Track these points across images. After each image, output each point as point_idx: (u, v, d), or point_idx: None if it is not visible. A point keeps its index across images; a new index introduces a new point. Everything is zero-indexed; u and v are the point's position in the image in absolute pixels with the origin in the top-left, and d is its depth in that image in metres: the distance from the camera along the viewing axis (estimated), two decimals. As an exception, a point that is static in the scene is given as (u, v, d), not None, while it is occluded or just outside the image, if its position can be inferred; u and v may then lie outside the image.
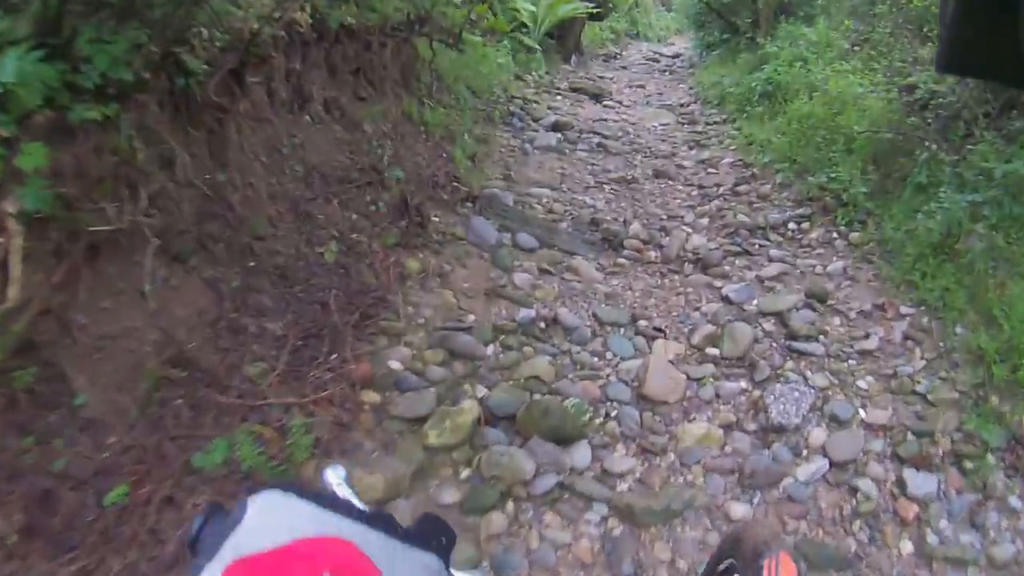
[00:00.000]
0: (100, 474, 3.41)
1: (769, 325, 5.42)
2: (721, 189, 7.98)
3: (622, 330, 5.31)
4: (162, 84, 4.42)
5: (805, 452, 4.31)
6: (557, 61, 14.94)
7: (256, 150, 5.36)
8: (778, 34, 12.05)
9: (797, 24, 11.94)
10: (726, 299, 5.76)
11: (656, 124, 11.02)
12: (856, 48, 10.53)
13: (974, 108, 6.79)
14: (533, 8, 13.90)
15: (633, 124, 10.85)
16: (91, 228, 3.73)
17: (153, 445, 3.63)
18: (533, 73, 12.96)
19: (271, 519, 0.99)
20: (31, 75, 3.33)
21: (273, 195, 5.27)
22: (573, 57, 15.83)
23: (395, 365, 4.54)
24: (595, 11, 15.61)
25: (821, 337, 5.30)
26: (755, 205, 7.51)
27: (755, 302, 5.69)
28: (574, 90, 12.82)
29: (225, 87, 4.94)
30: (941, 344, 5.23)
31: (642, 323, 5.37)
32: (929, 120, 7.28)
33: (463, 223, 6.34)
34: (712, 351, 5.11)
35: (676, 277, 6.12)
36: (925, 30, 9.59)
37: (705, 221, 7.14)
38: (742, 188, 7.95)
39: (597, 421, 4.42)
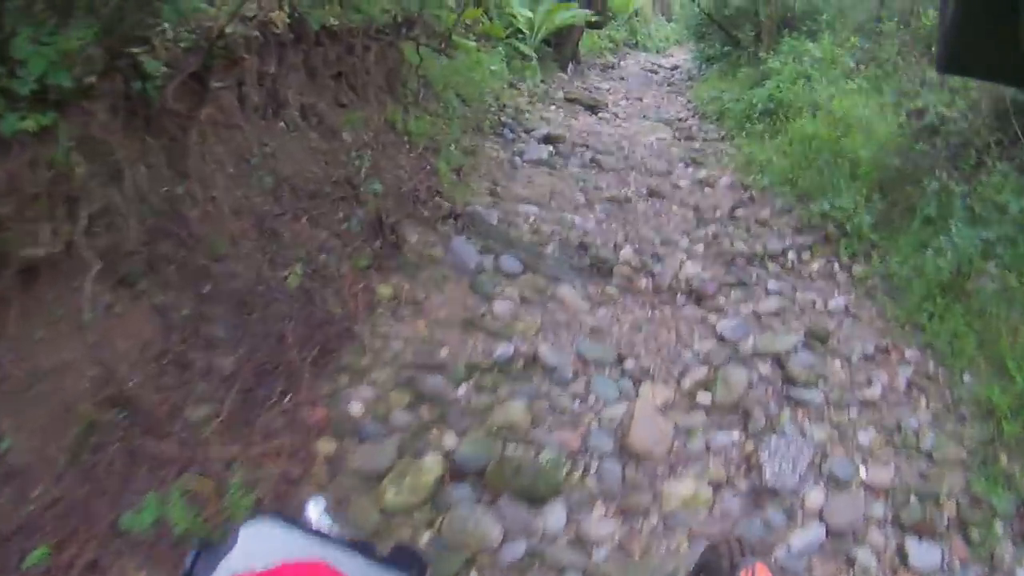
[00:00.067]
0: (22, 531, 3.03)
1: (765, 368, 5.03)
2: (718, 212, 7.59)
3: (607, 370, 4.90)
4: (117, 88, 4.05)
5: (801, 517, 3.91)
6: (553, 69, 14.57)
7: (222, 160, 4.97)
8: (781, 49, 11.67)
9: (801, 39, 11.57)
10: (720, 337, 5.36)
11: (652, 139, 10.62)
12: (862, 66, 10.21)
13: (986, 135, 6.46)
14: (530, 14, 13.54)
15: (628, 138, 10.45)
16: (23, 251, 3.40)
17: (82, 499, 3.25)
18: (528, 81, 12.59)
19: (261, 544, 1.11)
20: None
21: (237, 210, 4.87)
22: (570, 66, 15.47)
23: (356, 408, 4.15)
24: (594, 19, 15.25)
25: (821, 383, 4.92)
26: (753, 231, 7.11)
27: (751, 341, 5.30)
28: (569, 100, 12.44)
29: (187, 91, 4.56)
30: (948, 394, 4.89)
31: (629, 363, 4.96)
32: (938, 147, 6.92)
33: (443, 243, 5.94)
34: (703, 397, 4.71)
35: (668, 309, 5.72)
36: (934, 50, 9.29)
37: (700, 247, 6.74)
38: (740, 212, 7.56)
39: (575, 476, 4.01)
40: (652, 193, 8.02)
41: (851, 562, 3.69)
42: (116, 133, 4.08)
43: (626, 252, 6.41)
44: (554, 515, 3.73)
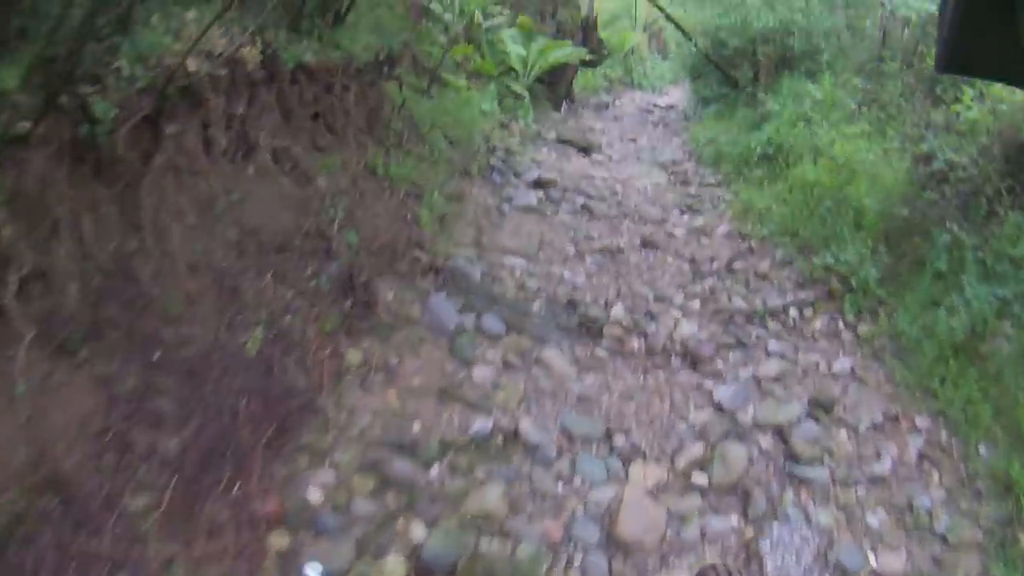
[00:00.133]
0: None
1: (767, 442, 4.65)
2: (715, 264, 7.19)
3: (594, 447, 4.49)
4: (62, 132, 3.70)
5: (807, 620, 3.52)
6: (547, 108, 14.26)
7: (183, 209, 4.57)
8: (780, 90, 11.33)
9: (801, 80, 11.25)
10: (718, 406, 4.97)
11: (647, 183, 10.24)
12: (864, 108, 9.90)
13: (997, 182, 6.13)
14: (523, 52, 13.23)
15: (622, 183, 10.07)
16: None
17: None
18: (520, 121, 12.25)
19: None
20: None
21: (195, 266, 4.47)
22: (564, 105, 15.17)
23: (314, 496, 3.75)
24: (588, 58, 14.96)
25: (826, 457, 4.56)
26: (752, 285, 6.73)
27: (751, 411, 4.92)
28: (562, 142, 12.09)
29: (141, 136, 4.20)
30: (962, 467, 4.55)
31: (619, 439, 4.55)
32: (947, 195, 6.57)
33: (421, 301, 5.54)
34: (699, 478, 4.31)
35: (661, 375, 5.32)
36: (938, 91, 9.03)
37: (696, 304, 6.34)
38: (738, 264, 7.17)
39: (556, 572, 3.61)
40: (646, 243, 7.63)
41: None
42: (59, 183, 3.73)
43: (617, 310, 6.01)
44: (532, 622, 3.32)
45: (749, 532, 3.99)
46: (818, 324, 6.11)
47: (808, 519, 4.09)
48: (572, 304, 6.03)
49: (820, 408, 5.00)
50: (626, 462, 4.39)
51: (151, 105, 4.15)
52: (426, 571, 3.45)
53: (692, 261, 7.30)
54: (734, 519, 4.08)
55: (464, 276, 6.09)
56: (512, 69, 13.06)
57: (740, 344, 5.75)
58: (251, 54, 5.22)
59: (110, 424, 3.61)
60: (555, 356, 5.31)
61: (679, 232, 8.16)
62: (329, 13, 6.46)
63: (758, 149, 9.97)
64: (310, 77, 6.13)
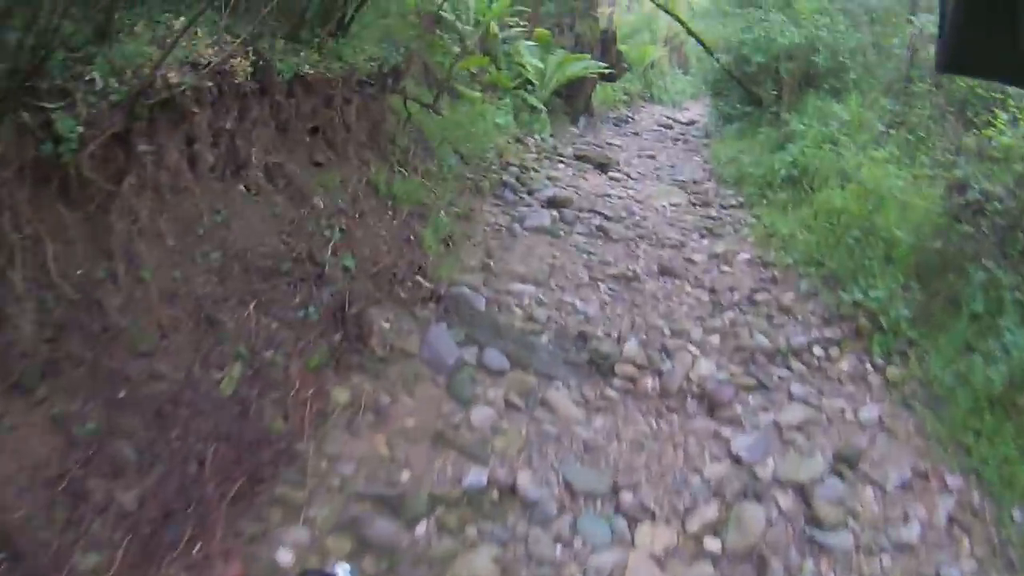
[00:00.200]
0: None
1: (787, 501, 4.24)
2: (736, 295, 6.77)
3: (599, 504, 4.08)
4: (24, 151, 3.36)
5: None
6: (564, 123, 13.92)
7: (162, 231, 4.22)
8: (805, 110, 10.93)
9: (826, 99, 10.86)
10: (735, 458, 4.57)
11: (666, 204, 9.83)
12: (892, 131, 9.51)
13: (1036, 215, 5.73)
14: (541, 64, 12.92)
15: (640, 202, 9.68)
16: None
17: None
18: (536, 136, 11.91)
19: None
20: None
21: (171, 294, 4.11)
22: (582, 119, 14.83)
23: (284, 558, 3.37)
24: (607, 72, 14.63)
25: (850, 520, 4.16)
26: (775, 320, 6.31)
27: (771, 464, 4.52)
28: (579, 158, 11.71)
29: (113, 154, 3.86)
30: (995, 533, 4.17)
31: (626, 495, 4.12)
32: (983, 228, 6.17)
33: (420, 332, 5.17)
34: (712, 543, 3.89)
35: (675, 419, 4.91)
36: (969, 114, 8.66)
37: (716, 340, 5.91)
38: (760, 296, 6.75)
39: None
40: (663, 270, 7.23)
41: None
42: (19, 206, 3.41)
43: (631, 345, 5.59)
44: None
45: (766, 608, 3.60)
46: (844, 365, 5.70)
47: (831, 595, 3.70)
48: (583, 337, 5.64)
49: (845, 463, 4.61)
50: (633, 523, 3.98)
51: (120, 122, 3.80)
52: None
53: (712, 291, 6.90)
54: (749, 591, 3.70)
55: (468, 304, 5.71)
56: (529, 82, 12.75)
57: (761, 386, 5.35)
58: (242, 65, 4.87)
59: (66, 470, 3.28)
60: (561, 397, 4.93)
61: (698, 258, 7.76)
62: (331, 22, 6.11)
63: (782, 171, 9.57)
64: (308, 89, 5.79)
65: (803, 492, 4.30)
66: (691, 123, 17.61)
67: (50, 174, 3.53)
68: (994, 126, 6.69)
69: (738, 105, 13.97)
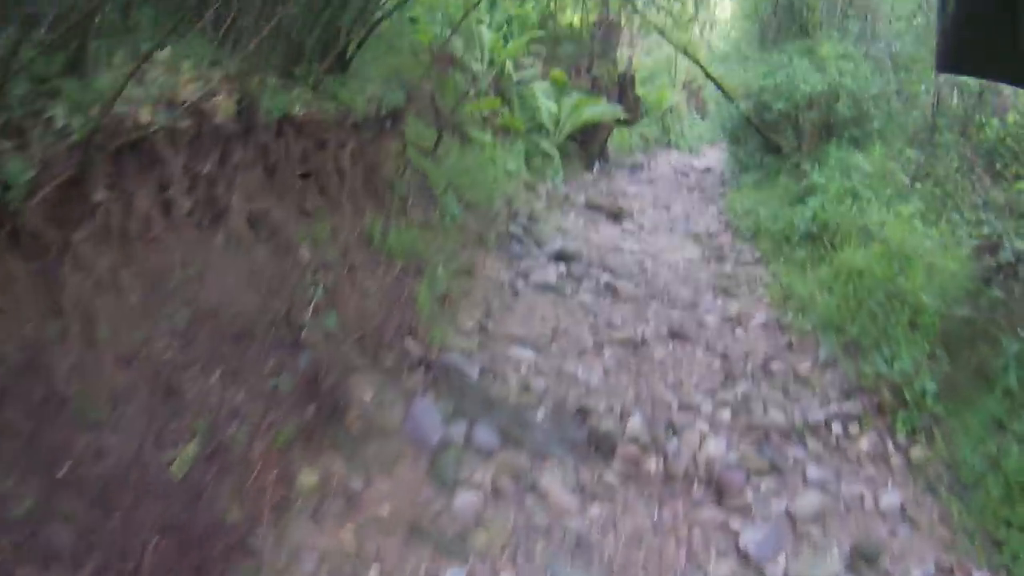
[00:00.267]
0: None
1: (800, 609, 3.81)
2: (750, 364, 6.34)
3: (588, 615, 3.67)
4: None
5: None
6: (578, 168, 13.61)
7: (124, 286, 3.83)
8: (827, 160, 10.54)
9: (849, 150, 10.47)
10: (743, 554, 4.13)
11: (679, 258, 9.46)
12: (917, 184, 9.14)
13: (1072, 281, 5.36)
14: (555, 107, 12.59)
15: (652, 256, 9.30)
16: None
17: None
18: (548, 182, 11.58)
19: None
20: None
21: (128, 357, 3.71)
22: (596, 164, 14.53)
23: None
24: (624, 116, 14.32)
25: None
26: (791, 392, 5.89)
27: (782, 562, 4.09)
28: (591, 207, 11.39)
29: (70, 200, 3.50)
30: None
31: (620, 604, 3.71)
32: (1016, 293, 5.77)
33: (404, 404, 4.76)
34: (715, 664, 3.47)
35: (680, 508, 4.47)
36: (998, 166, 8.30)
37: (727, 415, 5.47)
38: (776, 365, 6.32)
39: None
40: (673, 333, 6.81)
41: None
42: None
43: (635, 422, 5.16)
44: None
45: None
46: (864, 444, 5.27)
47: None
48: (582, 412, 5.22)
49: (863, 559, 4.18)
50: (625, 639, 3.55)
51: (73, 166, 3.44)
52: None
53: (724, 357, 6.47)
54: None
55: (459, 373, 5.31)
56: (542, 126, 12.42)
57: (774, 468, 4.92)
58: (225, 103, 4.52)
59: (-6, 557, 2.89)
60: (555, 481, 4.49)
61: (711, 320, 7.35)
62: (331, 56, 5.77)
63: (801, 226, 9.22)
64: (299, 130, 5.46)
65: (818, 597, 3.87)
66: (708, 170, 17.34)
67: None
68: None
69: (756, 153, 13.66)
